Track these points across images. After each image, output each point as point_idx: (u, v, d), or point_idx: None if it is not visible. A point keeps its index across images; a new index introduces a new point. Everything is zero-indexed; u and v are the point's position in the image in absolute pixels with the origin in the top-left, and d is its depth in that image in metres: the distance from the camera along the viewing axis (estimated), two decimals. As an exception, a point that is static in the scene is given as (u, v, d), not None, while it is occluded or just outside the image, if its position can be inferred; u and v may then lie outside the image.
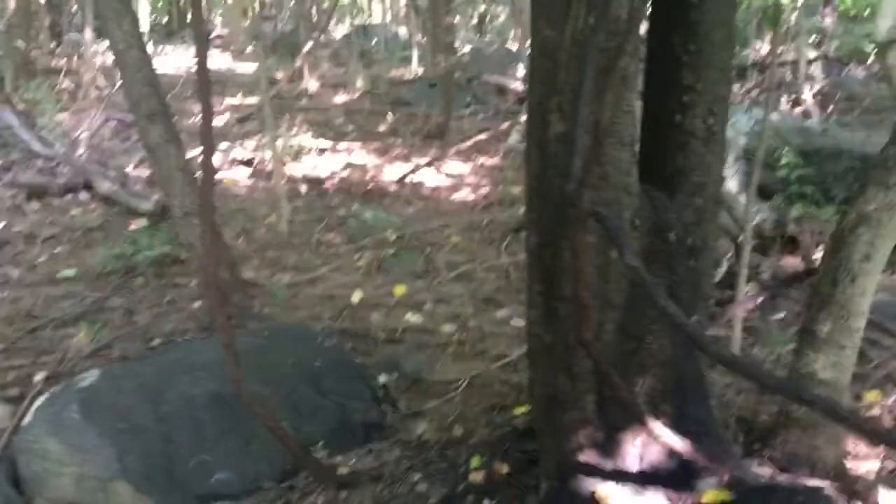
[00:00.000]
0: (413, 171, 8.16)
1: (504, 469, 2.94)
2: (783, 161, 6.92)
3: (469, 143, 8.98)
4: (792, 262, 5.42)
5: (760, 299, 3.16)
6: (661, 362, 2.62)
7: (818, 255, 5.77)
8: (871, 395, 3.78)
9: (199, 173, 3.06)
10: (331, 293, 4.97)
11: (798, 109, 10.54)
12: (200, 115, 2.56)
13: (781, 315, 4.74)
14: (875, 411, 3.68)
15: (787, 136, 7.79)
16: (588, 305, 2.31)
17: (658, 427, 2.37)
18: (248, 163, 8.16)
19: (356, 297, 4.83)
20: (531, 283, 2.70)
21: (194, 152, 8.03)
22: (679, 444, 2.39)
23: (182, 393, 3.10)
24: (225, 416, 2.99)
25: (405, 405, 3.53)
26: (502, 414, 3.45)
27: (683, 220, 2.66)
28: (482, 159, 8.76)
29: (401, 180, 7.96)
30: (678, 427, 2.62)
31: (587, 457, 2.62)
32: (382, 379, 3.66)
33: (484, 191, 7.70)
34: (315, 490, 2.90)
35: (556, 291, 2.59)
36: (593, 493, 2.58)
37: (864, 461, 3.24)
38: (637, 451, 2.62)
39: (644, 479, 2.59)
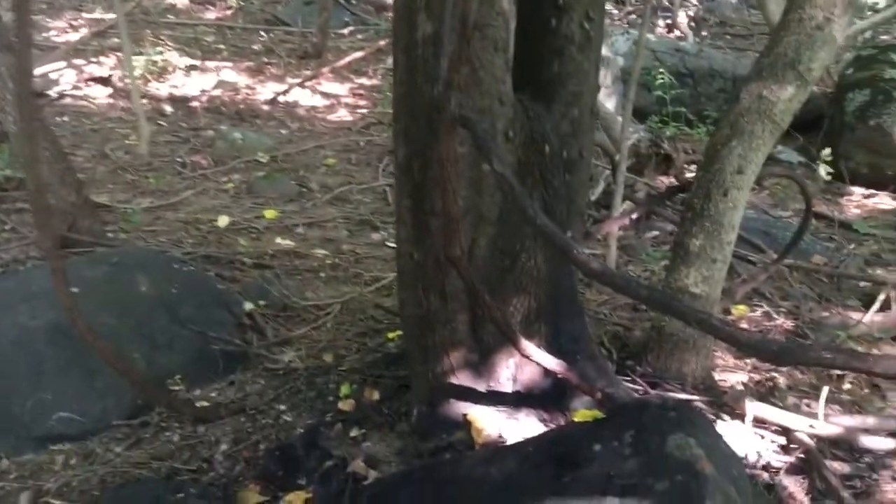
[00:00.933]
0: (286, 91, 7.77)
1: (375, 396, 2.81)
2: (658, 81, 6.93)
3: (346, 62, 8.62)
4: (666, 181, 5.46)
5: (635, 216, 3.12)
6: (536, 280, 2.52)
7: (691, 173, 5.85)
8: (738, 310, 3.84)
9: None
10: (195, 217, 4.66)
11: (673, 33, 10.64)
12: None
13: (656, 233, 4.78)
14: (742, 325, 3.73)
15: (663, 57, 7.84)
16: (458, 220, 2.16)
17: (531, 348, 2.27)
18: (105, 81, 7.56)
19: (223, 221, 4.54)
20: (400, 198, 2.53)
21: (45, 68, 7.39)
22: (552, 363, 2.31)
23: (18, 324, 2.80)
24: (66, 349, 2.72)
25: (272, 333, 3.33)
26: (375, 339, 3.31)
27: (559, 132, 2.53)
28: (360, 79, 8.44)
29: (274, 100, 7.56)
30: (553, 346, 2.54)
31: (459, 379, 2.51)
32: (248, 306, 3.44)
33: (362, 111, 7.43)
34: (171, 426, 2.69)
35: (425, 206, 2.43)
36: (465, 415, 2.48)
37: (733, 373, 3.28)
38: (510, 372, 2.54)
39: (517, 400, 2.51)
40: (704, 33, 11.08)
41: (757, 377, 3.30)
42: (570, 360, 2.54)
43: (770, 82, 2.86)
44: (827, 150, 6.24)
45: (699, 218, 2.96)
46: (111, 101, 7.27)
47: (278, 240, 4.39)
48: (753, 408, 2.79)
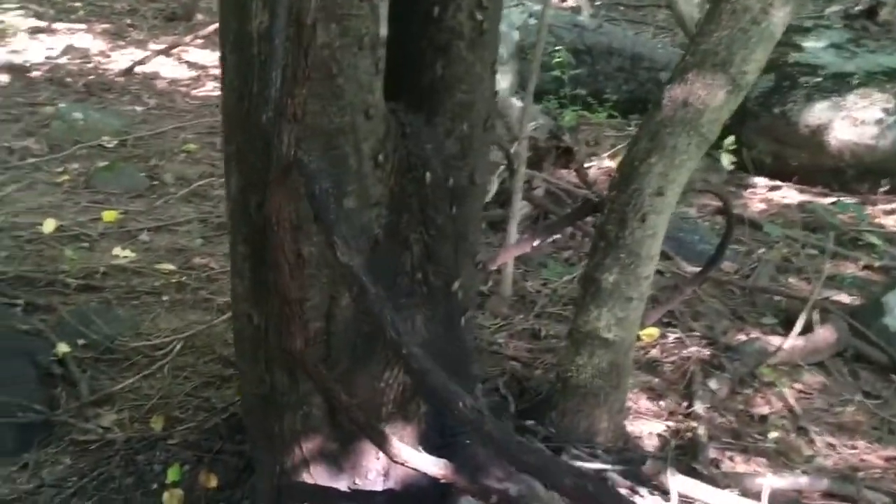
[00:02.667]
0: (146, 60, 6.90)
1: (212, 482, 2.20)
2: (556, 60, 6.44)
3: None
4: (566, 175, 4.98)
5: (536, 243, 2.60)
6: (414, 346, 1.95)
7: (592, 165, 5.40)
8: (648, 335, 3.39)
9: None
10: (13, 222, 3.86)
11: (567, 2, 10.21)
12: None
13: (556, 237, 4.28)
14: (653, 353, 3.29)
15: (560, 32, 7.32)
16: (296, 302, 1.56)
17: (404, 451, 1.71)
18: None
19: (48, 226, 3.75)
20: (234, 241, 1.91)
21: None
22: (431, 466, 1.75)
23: None
24: None
25: (88, 388, 2.64)
26: (221, 391, 2.68)
27: (444, 153, 1.96)
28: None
29: (130, 71, 6.68)
30: (435, 429, 1.99)
31: (314, 476, 1.94)
32: (62, 349, 2.74)
33: (231, 86, 6.62)
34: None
35: (266, 256, 1.82)
36: (324, 526, 1.91)
37: (648, 421, 2.82)
38: (380, 464, 1.97)
39: (390, 502, 1.95)
40: (598, 3, 10.69)
41: (674, 425, 2.85)
42: (458, 446, 2.00)
43: (696, 86, 2.36)
44: (730, 139, 5.93)
45: (613, 248, 2.46)
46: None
47: (116, 250, 3.66)
48: (677, 483, 2.33)
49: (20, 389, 2.50)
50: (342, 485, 1.94)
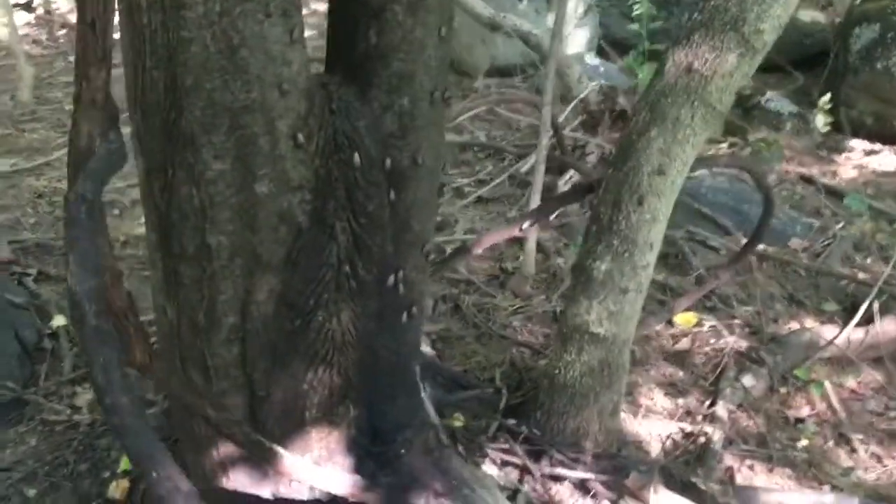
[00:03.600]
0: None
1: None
2: (637, 11, 5.98)
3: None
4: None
5: (527, 225, 2.34)
6: (340, 346, 1.78)
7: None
8: (684, 319, 3.09)
9: None
10: (55, 187, 3.91)
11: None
12: None
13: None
14: (684, 343, 2.99)
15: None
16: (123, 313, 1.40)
17: (297, 465, 1.54)
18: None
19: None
20: (147, 228, 1.78)
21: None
22: (331, 482, 1.58)
23: None
24: None
25: (71, 364, 2.61)
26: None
27: (379, 131, 1.75)
28: None
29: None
30: (365, 436, 1.82)
31: (234, 481, 1.80)
32: (58, 321, 2.72)
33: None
34: None
35: (174, 246, 1.68)
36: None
37: (659, 421, 2.55)
38: None
39: (317, 511, 1.80)
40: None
41: (689, 427, 2.57)
42: (392, 454, 1.82)
43: (703, 49, 2.05)
44: (826, 97, 5.39)
45: (605, 234, 2.19)
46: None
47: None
48: (660, 500, 2.08)
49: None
50: (265, 491, 1.80)
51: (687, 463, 2.41)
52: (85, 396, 2.48)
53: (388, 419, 1.84)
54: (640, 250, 2.18)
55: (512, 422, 2.35)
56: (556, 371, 2.30)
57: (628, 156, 2.15)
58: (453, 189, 4.31)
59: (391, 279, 1.79)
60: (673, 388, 2.76)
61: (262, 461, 1.62)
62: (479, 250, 2.34)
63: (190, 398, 1.46)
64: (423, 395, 1.89)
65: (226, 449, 1.78)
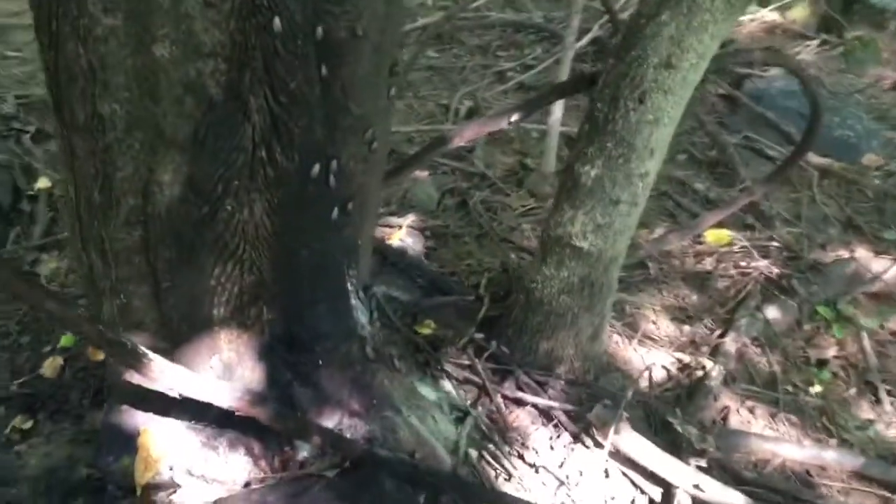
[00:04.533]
0: None
1: (99, 356, 1.99)
2: None
3: None
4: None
5: (515, 118, 2.03)
6: (252, 240, 1.57)
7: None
8: (714, 237, 2.77)
9: None
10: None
11: None
12: None
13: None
14: (707, 263, 2.68)
15: None
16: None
17: (169, 371, 1.37)
18: None
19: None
20: (48, 91, 1.58)
21: None
22: (213, 391, 1.41)
23: None
24: None
25: (43, 229, 2.51)
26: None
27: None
28: None
29: None
30: (281, 344, 1.63)
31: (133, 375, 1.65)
32: (42, 184, 2.62)
33: None
34: None
35: (64, 114, 1.49)
36: (140, 432, 1.65)
37: (656, 349, 2.29)
38: (216, 371, 1.65)
39: (222, 418, 1.64)
40: None
41: (688, 358, 2.30)
42: (309, 365, 1.64)
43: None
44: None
45: (598, 134, 1.89)
46: None
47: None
48: (623, 441, 1.85)
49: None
50: (172, 391, 1.65)
51: (678, 399, 2.15)
52: (49, 265, 2.37)
53: (306, 326, 1.64)
54: (638, 156, 1.87)
55: (480, 336, 2.12)
56: (533, 285, 2.05)
57: (633, 44, 1.82)
58: (495, 73, 3.97)
59: (316, 169, 1.55)
60: (682, 313, 2.48)
61: (125, 363, 1.45)
62: (459, 142, 2.06)
63: (30, 293, 1.28)
64: (353, 302, 1.68)
65: (136, 340, 1.63)
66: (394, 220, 2.68)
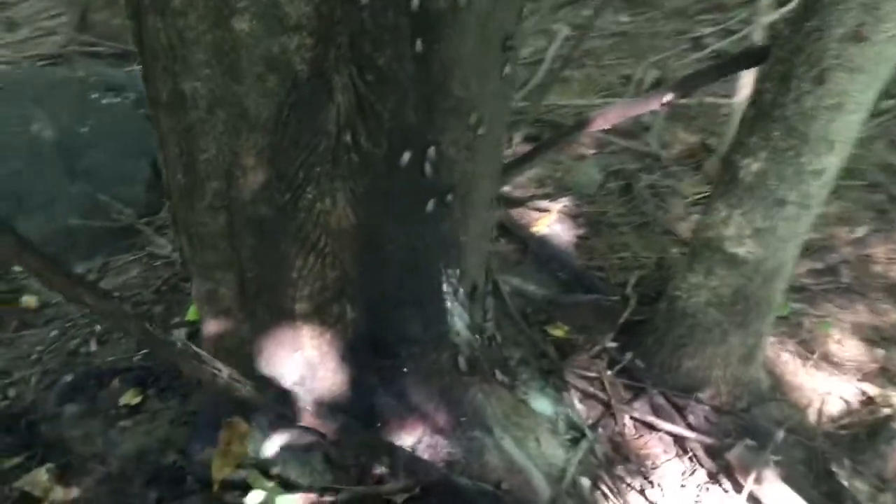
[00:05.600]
0: None
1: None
2: None
3: None
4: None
5: (667, 99, 1.72)
6: (336, 232, 1.43)
7: None
8: None
9: None
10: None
11: None
12: None
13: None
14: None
15: None
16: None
17: (213, 376, 1.27)
18: None
19: None
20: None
21: None
22: (300, 407, 1.29)
23: None
24: None
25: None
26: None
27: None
28: None
29: None
30: (364, 344, 1.50)
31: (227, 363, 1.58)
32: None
33: None
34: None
35: (151, 88, 1.42)
36: (226, 422, 1.58)
37: (837, 374, 1.94)
38: (299, 370, 1.55)
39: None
40: None
41: (872, 391, 1.92)
42: (394, 372, 1.49)
43: None
44: None
45: (764, 121, 1.57)
46: None
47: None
48: (766, 492, 1.54)
49: (127, 188, 2.47)
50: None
51: (854, 441, 1.79)
52: (192, 234, 2.38)
53: (392, 329, 1.48)
54: (812, 149, 1.53)
55: (613, 345, 1.87)
56: (678, 293, 1.77)
57: (813, 11, 1.48)
58: (690, 40, 3.58)
59: (406, 156, 1.38)
60: (876, 333, 2.07)
61: (167, 357, 1.37)
62: (600, 126, 1.80)
63: (68, 285, 1.21)
64: (448, 304, 1.49)
65: (216, 330, 1.56)
66: (545, 203, 2.46)
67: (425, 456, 1.43)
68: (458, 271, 1.55)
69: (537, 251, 2.22)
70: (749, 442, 1.60)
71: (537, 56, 3.41)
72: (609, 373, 1.82)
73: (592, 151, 2.78)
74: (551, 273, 2.16)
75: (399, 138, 1.38)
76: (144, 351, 1.98)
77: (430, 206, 1.45)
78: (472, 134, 1.46)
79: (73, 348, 2.00)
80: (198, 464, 1.56)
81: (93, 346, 2.00)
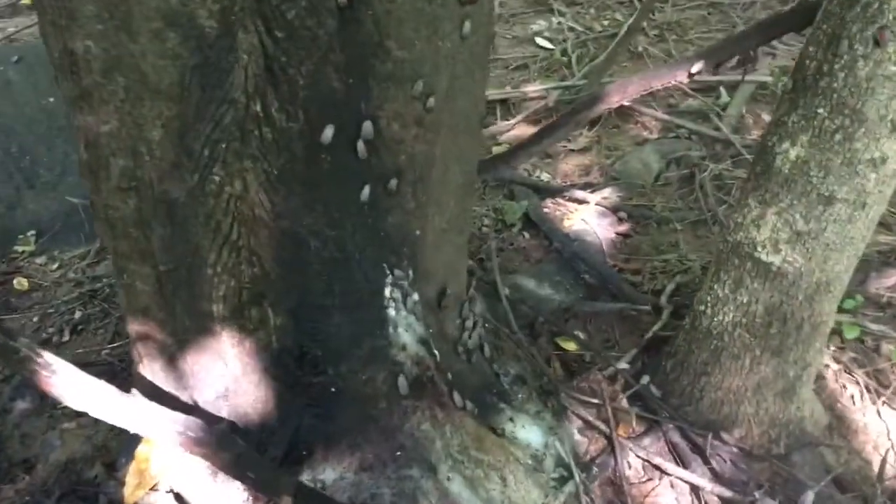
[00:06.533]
0: None
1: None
2: None
3: None
4: None
5: (696, 67, 1.38)
6: (250, 221, 1.20)
7: None
8: None
9: None
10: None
11: None
12: None
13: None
14: None
15: None
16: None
17: (71, 379, 1.06)
18: None
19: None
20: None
21: None
22: (142, 413, 1.08)
23: None
24: None
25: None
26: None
27: None
28: None
29: None
30: (298, 354, 1.27)
31: (150, 368, 1.39)
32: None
33: None
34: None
35: (46, 43, 1.23)
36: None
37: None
38: (223, 381, 1.33)
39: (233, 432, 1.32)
40: None
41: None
42: (322, 392, 1.25)
43: None
44: None
45: (806, 95, 1.22)
46: None
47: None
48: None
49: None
50: (183, 393, 1.36)
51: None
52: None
53: (318, 341, 1.24)
54: (869, 130, 1.18)
55: (624, 366, 1.56)
56: (701, 307, 1.44)
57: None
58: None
59: (329, 132, 1.13)
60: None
61: (12, 367, 1.17)
62: (618, 102, 1.48)
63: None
64: (389, 313, 1.23)
65: (138, 328, 1.36)
66: (582, 194, 2.14)
67: (343, 497, 1.18)
68: (410, 273, 1.28)
69: (562, 249, 1.92)
70: (770, 502, 1.26)
71: (612, 29, 3.07)
72: (621, 399, 1.50)
73: (655, 136, 2.43)
74: (576, 275, 1.86)
75: (319, 110, 1.13)
76: (116, 344, 1.82)
77: (366, 193, 1.19)
78: (421, 107, 1.19)
79: (47, 337, 1.87)
80: (117, 482, 1.37)
81: (66, 336, 1.86)
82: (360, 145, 1.16)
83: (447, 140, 1.27)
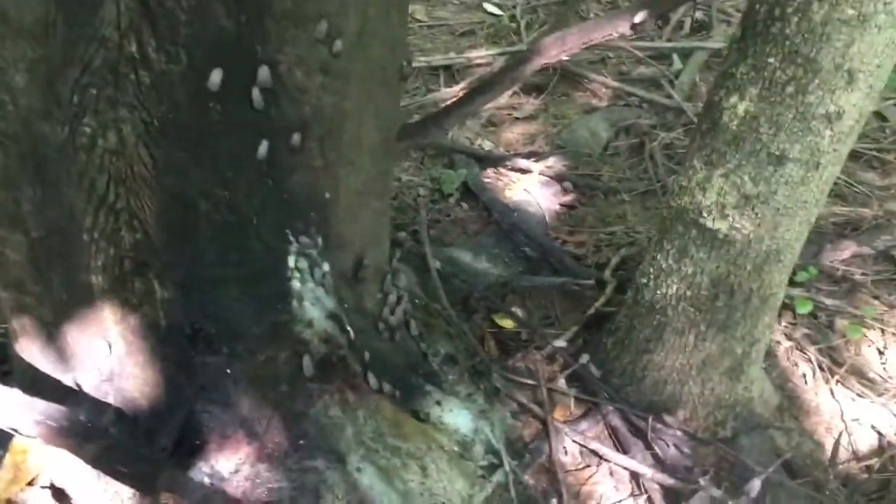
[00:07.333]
0: None
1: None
2: None
3: None
4: None
5: (639, 19, 1.27)
6: (128, 179, 1.05)
7: None
8: None
9: None
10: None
11: None
12: None
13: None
14: None
15: None
16: None
17: None
18: None
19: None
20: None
21: None
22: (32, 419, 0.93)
23: None
24: None
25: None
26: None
27: None
28: None
29: None
30: (190, 333, 1.12)
31: (27, 348, 1.24)
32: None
33: None
34: None
35: None
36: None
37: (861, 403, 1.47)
38: (107, 360, 1.19)
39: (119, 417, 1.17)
40: None
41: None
42: (216, 376, 1.11)
43: None
44: None
45: (756, 42, 1.10)
46: None
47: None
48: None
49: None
50: (66, 375, 1.21)
51: (885, 488, 1.32)
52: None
53: (212, 316, 1.10)
54: (823, 81, 1.07)
55: (562, 344, 1.44)
56: (643, 280, 1.32)
57: None
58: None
59: (216, 77, 0.98)
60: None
61: None
62: (550, 59, 1.36)
63: None
64: (294, 286, 1.09)
65: (13, 302, 1.21)
66: (526, 163, 2.01)
67: (237, 492, 1.05)
68: (319, 241, 1.15)
69: (501, 220, 1.79)
70: (714, 492, 1.15)
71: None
72: (558, 379, 1.39)
73: (605, 104, 2.31)
74: (515, 248, 1.74)
75: (205, 51, 0.98)
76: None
77: (263, 149, 1.05)
78: (326, 51, 1.05)
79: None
80: (-12, 475, 1.22)
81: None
82: (256, 93, 1.02)
83: (360, 91, 1.13)
